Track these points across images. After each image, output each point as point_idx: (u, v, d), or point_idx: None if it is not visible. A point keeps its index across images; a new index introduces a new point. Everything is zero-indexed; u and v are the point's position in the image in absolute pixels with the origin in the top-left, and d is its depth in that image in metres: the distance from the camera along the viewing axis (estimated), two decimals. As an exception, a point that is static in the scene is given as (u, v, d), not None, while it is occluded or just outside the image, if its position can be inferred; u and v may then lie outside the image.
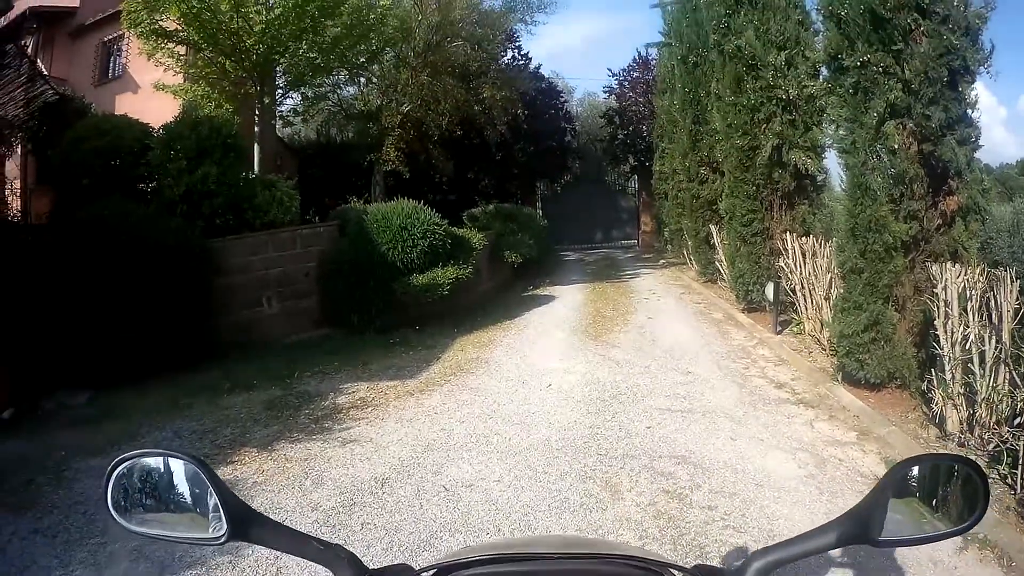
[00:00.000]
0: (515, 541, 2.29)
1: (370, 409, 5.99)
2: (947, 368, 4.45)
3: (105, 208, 7.30)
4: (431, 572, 1.01)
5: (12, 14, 11.17)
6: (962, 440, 4.36)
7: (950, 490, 0.98)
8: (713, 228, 11.93)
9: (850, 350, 5.57)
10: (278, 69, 11.69)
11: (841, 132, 5.67)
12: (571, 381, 6.65)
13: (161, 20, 10.34)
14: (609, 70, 27.49)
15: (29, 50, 13.41)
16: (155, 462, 0.99)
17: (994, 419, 4.14)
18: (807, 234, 7.99)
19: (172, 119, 9.28)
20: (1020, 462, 3.61)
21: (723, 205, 9.87)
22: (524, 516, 3.82)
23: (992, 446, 4.05)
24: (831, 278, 6.89)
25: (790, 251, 7.84)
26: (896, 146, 5.06)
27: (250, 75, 10.97)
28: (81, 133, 8.90)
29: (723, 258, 11.07)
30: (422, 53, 15.30)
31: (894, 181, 5.10)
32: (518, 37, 20.77)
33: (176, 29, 10.49)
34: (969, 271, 4.39)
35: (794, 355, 7.31)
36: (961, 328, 4.34)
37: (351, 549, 1.01)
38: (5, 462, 4.90)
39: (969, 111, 5.05)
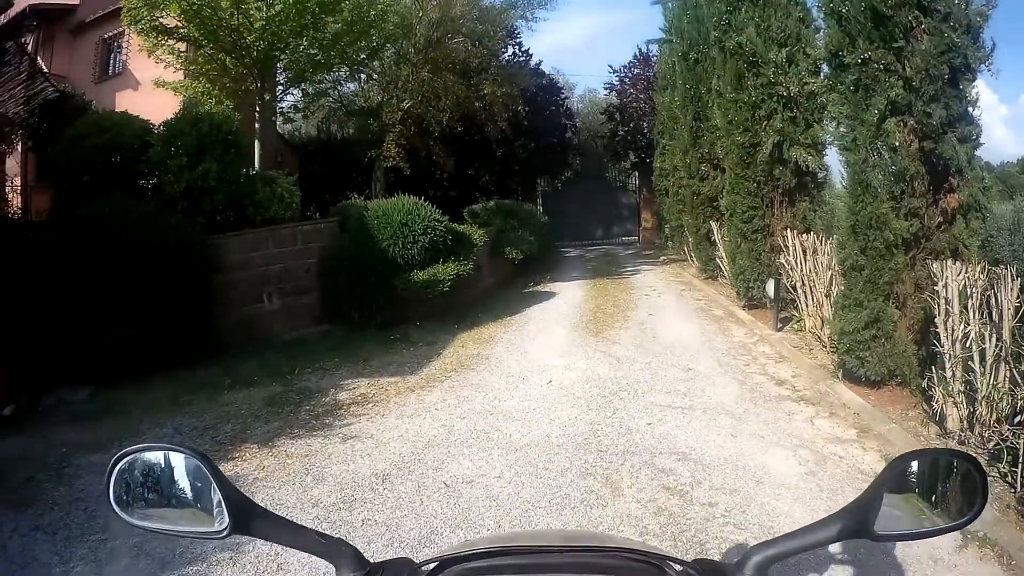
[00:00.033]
0: (516, 535, 2.30)
1: (371, 405, 6.00)
2: (947, 366, 4.45)
3: (105, 205, 7.29)
4: (432, 565, 1.02)
5: (12, 11, 11.16)
6: (962, 438, 4.36)
7: (949, 485, 0.98)
8: (714, 225, 11.93)
9: (851, 347, 5.57)
10: (278, 65, 11.65)
11: (842, 129, 5.67)
12: (572, 377, 6.66)
13: (161, 17, 10.30)
14: (610, 66, 27.33)
15: (29, 47, 13.40)
16: (157, 456, 0.99)
17: (994, 417, 4.14)
18: (808, 231, 7.99)
19: (172, 116, 9.24)
20: (1020, 460, 3.61)
21: (724, 202, 9.87)
22: (525, 512, 3.83)
23: (992, 444, 4.05)
24: (832, 275, 6.89)
25: (791, 248, 7.84)
26: (897, 143, 5.05)
27: (250, 71, 10.94)
28: (81, 130, 8.88)
29: (724, 255, 11.07)
30: (423, 49, 15.26)
31: (895, 178, 5.10)
32: (519, 33, 20.75)
33: (176, 26, 10.46)
34: (970, 269, 4.38)
35: (795, 352, 7.31)
36: (962, 326, 4.34)
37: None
38: (6, 459, 4.91)
39: (970, 109, 5.04)
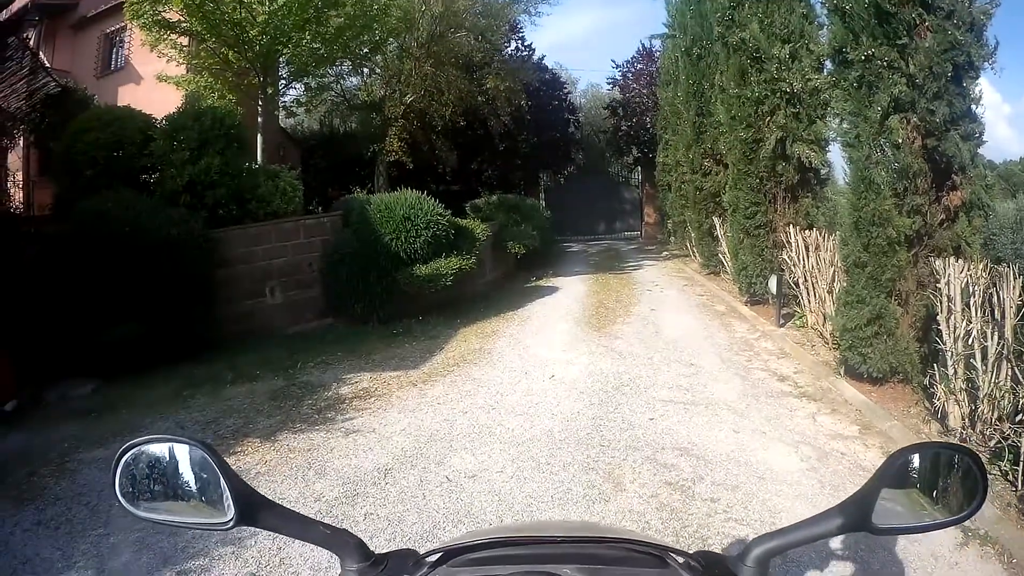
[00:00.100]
0: (519, 526, 2.31)
1: (373, 399, 6.01)
2: (949, 363, 4.45)
3: (108, 199, 7.30)
4: (436, 556, 1.02)
5: (14, 7, 11.19)
6: (964, 436, 4.36)
7: (948, 479, 0.99)
8: (716, 220, 11.93)
9: (853, 344, 5.57)
10: (281, 60, 11.63)
11: (845, 126, 5.65)
12: (574, 372, 6.66)
13: (164, 11, 10.29)
14: (613, 61, 27.47)
15: (31, 43, 13.42)
16: (162, 448, 0.99)
17: (996, 415, 4.14)
18: (810, 227, 7.98)
19: (175, 110, 9.27)
20: (1022, 458, 3.62)
21: (726, 197, 9.86)
22: (527, 507, 3.84)
23: (994, 442, 4.06)
24: (834, 272, 6.88)
25: (793, 244, 7.83)
26: (900, 140, 5.04)
27: (253, 66, 10.93)
28: (84, 125, 8.87)
29: (726, 250, 11.06)
30: (425, 44, 15.26)
31: (898, 175, 5.09)
32: (521, 28, 20.83)
33: (179, 20, 10.45)
34: (972, 266, 4.38)
35: (797, 348, 7.31)
36: (964, 323, 4.33)
37: None
38: (8, 454, 4.93)
39: (973, 107, 5.02)
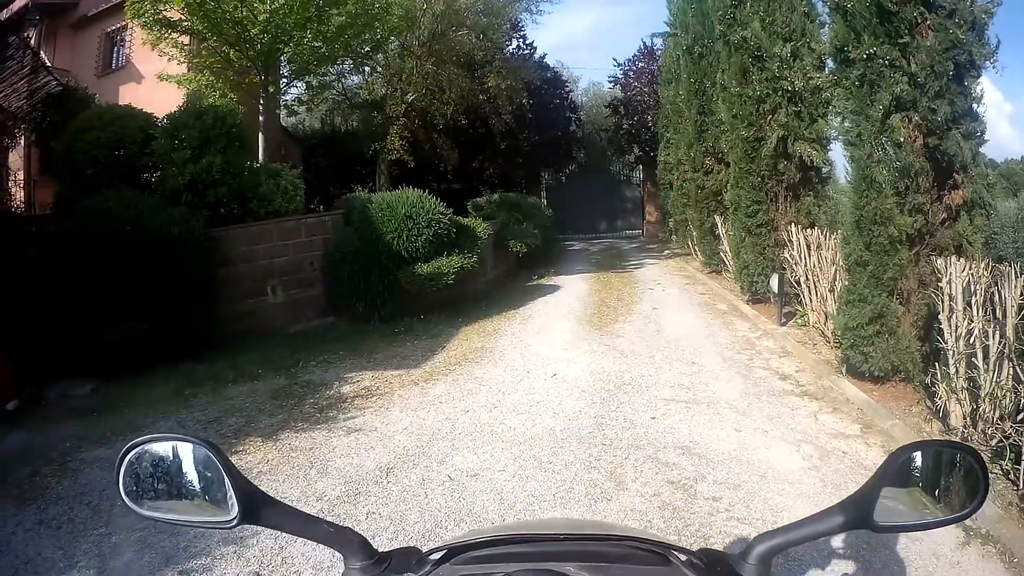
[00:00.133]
0: (522, 524, 2.31)
1: (375, 398, 6.01)
2: (951, 362, 4.45)
3: (109, 198, 7.30)
4: (440, 554, 1.03)
5: (15, 6, 11.21)
6: (965, 435, 4.36)
7: (950, 477, 0.99)
8: (718, 219, 11.92)
9: (854, 343, 5.57)
10: (282, 58, 11.63)
11: (847, 124, 5.65)
12: (576, 371, 6.66)
13: (165, 10, 10.30)
14: (614, 60, 27.29)
15: (32, 42, 13.41)
16: (166, 447, 0.99)
17: (997, 414, 4.13)
18: (812, 226, 7.97)
19: (176, 109, 9.28)
20: (1023, 457, 3.62)
21: (728, 196, 9.85)
22: (529, 506, 3.84)
23: (995, 441, 4.05)
24: (836, 270, 6.88)
25: (795, 243, 7.83)
26: (902, 139, 5.04)
27: (254, 64, 10.94)
28: (84, 124, 8.88)
29: (728, 249, 11.06)
30: (427, 42, 15.25)
31: (899, 174, 5.09)
32: (523, 26, 20.75)
33: (180, 19, 10.45)
34: (973, 265, 4.37)
35: (798, 347, 7.31)
36: (965, 322, 4.33)
37: None
38: (9, 453, 4.94)
39: (975, 106, 5.02)
